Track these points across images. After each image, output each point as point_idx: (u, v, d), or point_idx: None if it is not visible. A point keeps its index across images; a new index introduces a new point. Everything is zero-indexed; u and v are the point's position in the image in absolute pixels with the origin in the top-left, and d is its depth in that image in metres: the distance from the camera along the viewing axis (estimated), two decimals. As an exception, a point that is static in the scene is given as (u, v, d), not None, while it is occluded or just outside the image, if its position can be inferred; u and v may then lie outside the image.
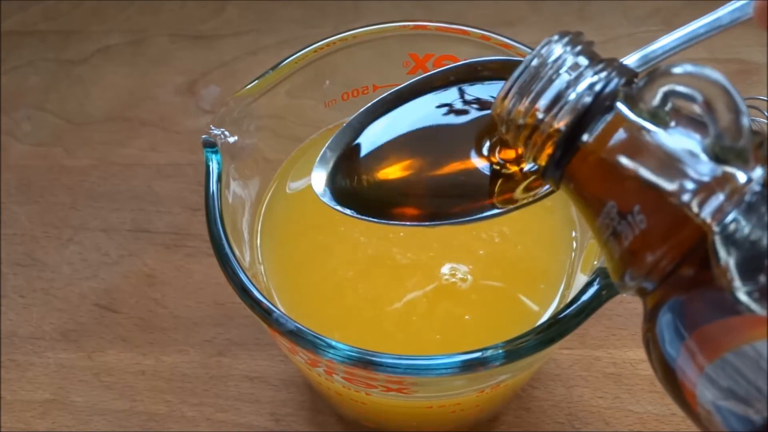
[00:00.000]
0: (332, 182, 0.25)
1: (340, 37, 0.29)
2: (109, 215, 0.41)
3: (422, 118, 0.25)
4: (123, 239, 0.41)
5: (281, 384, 0.36)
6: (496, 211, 0.23)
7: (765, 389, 0.14)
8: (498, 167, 0.24)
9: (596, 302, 0.23)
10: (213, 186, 0.25)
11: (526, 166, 0.23)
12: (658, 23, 0.47)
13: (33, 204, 0.42)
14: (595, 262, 0.25)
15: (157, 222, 0.41)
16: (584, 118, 0.18)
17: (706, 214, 0.16)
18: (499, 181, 0.24)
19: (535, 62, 0.19)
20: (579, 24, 0.49)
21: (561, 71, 0.19)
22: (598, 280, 0.23)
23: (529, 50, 0.28)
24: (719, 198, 0.16)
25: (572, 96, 0.18)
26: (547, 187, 0.23)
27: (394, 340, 0.28)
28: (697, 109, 0.16)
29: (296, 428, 0.34)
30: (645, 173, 0.17)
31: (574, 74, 0.19)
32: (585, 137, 0.18)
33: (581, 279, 0.26)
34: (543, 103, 0.19)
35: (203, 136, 0.26)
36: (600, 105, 0.18)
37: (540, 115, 0.19)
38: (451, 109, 0.25)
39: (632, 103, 0.18)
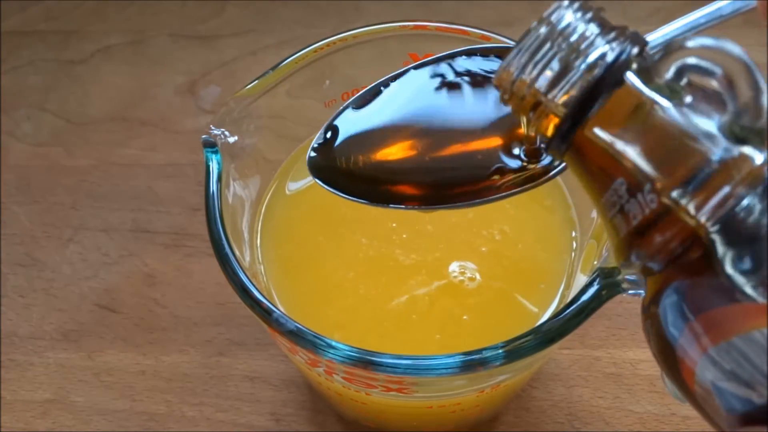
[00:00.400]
0: (326, 163, 0.25)
1: (340, 37, 0.29)
2: (109, 215, 0.41)
3: (421, 99, 0.25)
4: (123, 239, 0.41)
5: (281, 384, 0.36)
6: (498, 195, 0.23)
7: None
8: (502, 149, 0.23)
9: (596, 302, 0.23)
10: (213, 186, 0.25)
11: (534, 138, 0.22)
12: (658, 23, 0.47)
13: (33, 204, 0.42)
14: (595, 262, 0.25)
15: (157, 222, 0.41)
16: (594, 90, 0.17)
17: (720, 196, 0.15)
18: (502, 164, 0.23)
19: (543, 30, 0.18)
20: (579, 24, 0.49)
21: (571, 39, 0.18)
22: (598, 280, 0.23)
23: None
24: (735, 179, 0.15)
25: (582, 66, 0.17)
26: (554, 169, 0.22)
27: (394, 340, 0.28)
28: (715, 84, 0.16)
29: (296, 428, 0.34)
30: (657, 151, 0.16)
31: (584, 43, 0.18)
32: (593, 110, 0.17)
33: (581, 279, 0.26)
34: (549, 73, 0.18)
35: (203, 136, 0.26)
36: (611, 76, 0.17)
37: (546, 86, 0.18)
38: (451, 89, 0.25)
39: (645, 75, 0.17)
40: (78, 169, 0.44)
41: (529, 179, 0.23)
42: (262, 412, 0.35)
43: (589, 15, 0.18)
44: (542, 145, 0.19)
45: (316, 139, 0.25)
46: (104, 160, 0.44)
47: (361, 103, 0.25)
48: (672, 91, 0.16)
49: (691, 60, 0.16)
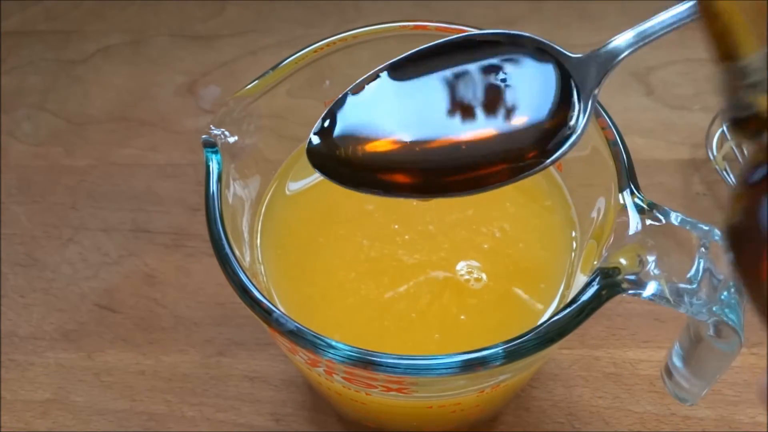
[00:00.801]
0: (325, 151, 0.25)
1: (340, 37, 0.29)
2: (109, 215, 0.41)
3: (420, 86, 0.25)
4: (123, 239, 0.41)
5: (281, 384, 0.36)
6: (498, 183, 0.23)
7: None
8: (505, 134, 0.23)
9: (596, 302, 0.23)
10: (213, 186, 0.25)
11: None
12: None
13: (33, 204, 0.42)
14: (595, 262, 0.25)
15: (157, 222, 0.41)
16: None
17: None
18: (505, 150, 0.23)
19: None
20: (579, 24, 0.49)
21: None
22: (598, 280, 0.23)
23: None
24: None
25: None
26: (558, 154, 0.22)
27: (393, 340, 0.28)
28: None
29: (296, 428, 0.34)
30: None
31: None
32: None
33: (581, 279, 0.26)
34: None
35: (203, 136, 0.26)
36: None
37: None
38: (449, 75, 0.24)
39: None
40: (78, 169, 0.44)
41: (524, 168, 0.23)
42: (262, 412, 0.35)
43: None
44: None
45: (315, 127, 0.25)
46: (104, 160, 0.44)
47: (360, 89, 0.25)
48: None
49: None
